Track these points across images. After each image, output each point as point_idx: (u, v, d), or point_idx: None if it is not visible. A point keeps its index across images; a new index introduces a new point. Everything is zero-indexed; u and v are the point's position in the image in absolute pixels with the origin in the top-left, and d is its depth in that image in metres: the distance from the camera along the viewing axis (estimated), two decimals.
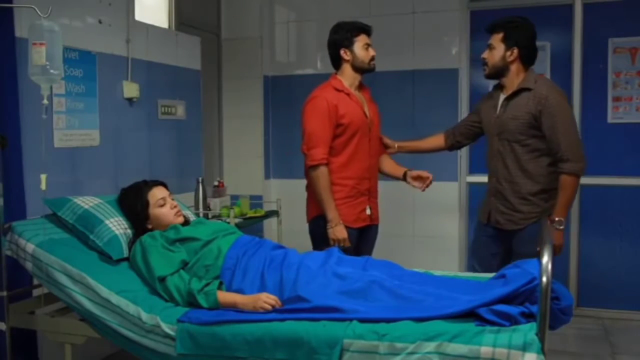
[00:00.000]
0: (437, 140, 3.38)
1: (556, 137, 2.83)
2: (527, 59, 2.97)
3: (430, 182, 3.20)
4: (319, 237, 3.06)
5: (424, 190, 3.23)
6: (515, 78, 2.96)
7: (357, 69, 3.10)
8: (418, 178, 3.22)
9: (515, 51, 2.93)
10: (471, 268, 3.27)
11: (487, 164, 3.14)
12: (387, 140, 3.30)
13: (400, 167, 3.29)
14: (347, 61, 3.09)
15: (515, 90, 2.94)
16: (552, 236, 2.75)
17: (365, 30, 3.10)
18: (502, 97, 3.02)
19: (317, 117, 3.00)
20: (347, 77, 3.11)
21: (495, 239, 3.09)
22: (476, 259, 3.21)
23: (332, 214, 2.99)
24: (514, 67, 2.95)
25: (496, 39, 2.97)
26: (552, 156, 2.88)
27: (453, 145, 3.36)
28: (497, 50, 2.96)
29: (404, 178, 3.25)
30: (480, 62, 3.07)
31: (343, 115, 3.02)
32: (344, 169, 3.05)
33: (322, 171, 2.99)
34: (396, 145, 3.31)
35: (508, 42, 2.93)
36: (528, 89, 2.89)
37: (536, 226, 2.86)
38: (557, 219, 2.85)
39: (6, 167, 2.60)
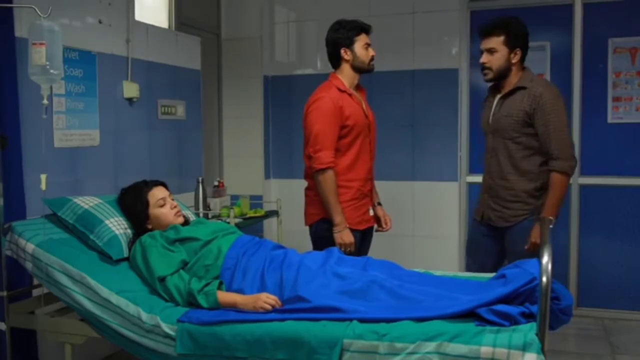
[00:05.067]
0: None
1: (547, 135, 2.84)
2: (524, 58, 2.98)
3: (385, 230, 3.24)
4: (323, 240, 2.98)
5: (378, 231, 3.26)
6: (514, 78, 2.97)
7: (357, 69, 3.06)
8: (377, 220, 3.23)
9: (519, 52, 2.94)
10: (466, 266, 3.29)
11: (483, 161, 3.18)
12: None
13: (376, 194, 3.27)
14: (347, 61, 3.04)
15: (512, 89, 2.95)
16: (549, 236, 2.82)
17: (366, 29, 3.06)
18: (497, 96, 3.03)
19: (323, 118, 2.92)
20: (347, 77, 3.06)
21: (489, 237, 3.10)
22: (471, 257, 3.23)
23: (339, 218, 2.93)
24: (515, 68, 2.96)
25: (497, 42, 2.93)
26: (543, 155, 2.90)
27: None
28: (500, 53, 2.93)
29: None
30: (480, 67, 3.03)
31: (348, 117, 2.96)
32: (349, 171, 3.00)
33: (330, 175, 2.92)
34: None
35: (511, 44, 2.92)
36: (524, 88, 2.91)
37: (526, 224, 2.90)
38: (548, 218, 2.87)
39: (6, 167, 2.61)
